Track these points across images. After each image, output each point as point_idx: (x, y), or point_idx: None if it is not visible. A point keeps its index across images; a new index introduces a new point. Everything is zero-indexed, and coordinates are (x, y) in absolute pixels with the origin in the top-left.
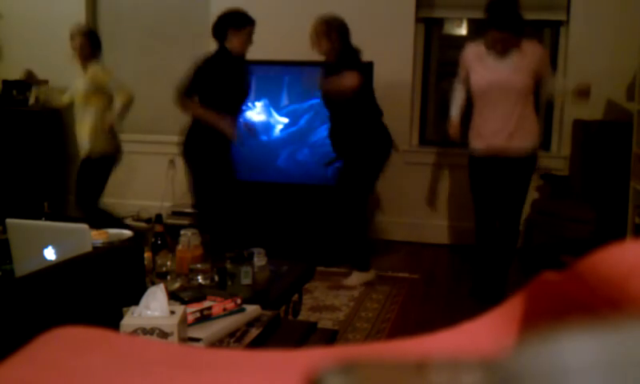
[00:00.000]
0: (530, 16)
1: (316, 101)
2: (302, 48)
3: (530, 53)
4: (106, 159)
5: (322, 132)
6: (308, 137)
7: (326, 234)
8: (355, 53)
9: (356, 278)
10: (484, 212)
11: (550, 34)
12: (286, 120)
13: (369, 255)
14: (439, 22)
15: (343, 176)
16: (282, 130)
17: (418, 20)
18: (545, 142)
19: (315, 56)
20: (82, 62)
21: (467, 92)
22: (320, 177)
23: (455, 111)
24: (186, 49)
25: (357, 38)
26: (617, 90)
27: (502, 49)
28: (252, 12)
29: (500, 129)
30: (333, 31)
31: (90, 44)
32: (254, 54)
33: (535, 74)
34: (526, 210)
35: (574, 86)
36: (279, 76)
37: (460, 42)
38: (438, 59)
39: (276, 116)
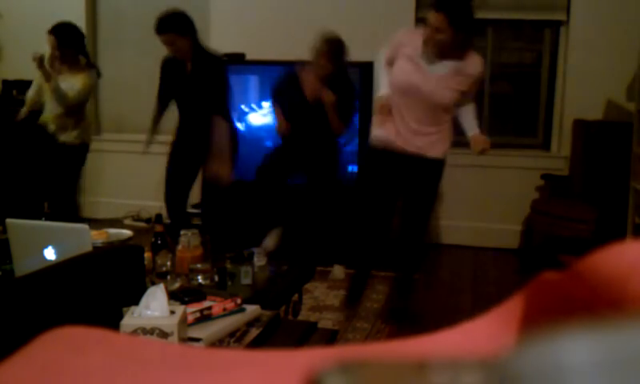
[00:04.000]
0: (529, 16)
1: None
2: (308, 47)
3: (470, 70)
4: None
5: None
6: None
7: (328, 233)
8: (345, 75)
9: (341, 270)
10: (377, 211)
11: (549, 33)
12: None
13: None
14: None
15: (326, 175)
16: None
17: (417, 20)
18: (545, 142)
19: None
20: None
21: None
22: None
23: (384, 89)
24: None
25: (357, 38)
26: (617, 90)
27: (434, 47)
28: (256, 10)
29: (410, 131)
30: (332, 53)
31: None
32: (257, 53)
33: (463, 92)
34: (526, 209)
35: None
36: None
37: None
38: None
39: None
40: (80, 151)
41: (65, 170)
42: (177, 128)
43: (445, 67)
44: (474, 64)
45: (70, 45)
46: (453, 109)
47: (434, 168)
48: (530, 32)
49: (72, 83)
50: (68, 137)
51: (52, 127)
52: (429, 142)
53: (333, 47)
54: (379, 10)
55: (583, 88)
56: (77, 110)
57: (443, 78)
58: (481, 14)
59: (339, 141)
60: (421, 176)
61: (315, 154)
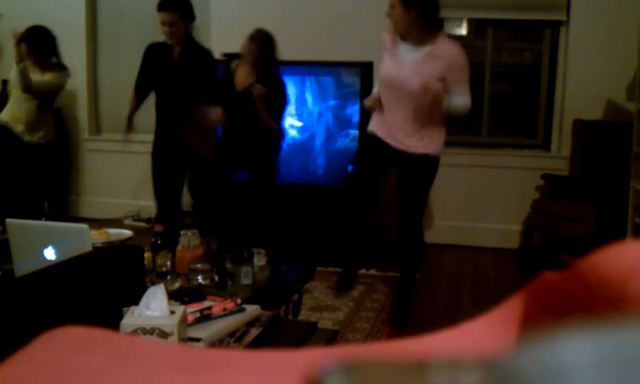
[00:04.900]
0: (529, 16)
1: (334, 102)
2: (312, 47)
3: (444, 53)
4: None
5: (341, 139)
6: (325, 145)
7: (328, 233)
8: (275, 70)
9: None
10: (361, 185)
11: (549, 34)
12: (299, 123)
13: None
14: None
15: (265, 172)
16: (294, 136)
17: None
18: (545, 142)
19: (329, 56)
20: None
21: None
22: (322, 177)
23: (376, 89)
24: None
25: (357, 38)
26: (617, 90)
27: (392, 26)
28: (256, 10)
29: (398, 127)
30: (260, 45)
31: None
32: None
33: (444, 80)
34: (526, 209)
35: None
36: (290, 76)
37: (460, 41)
38: None
39: (288, 119)
40: (47, 150)
41: (33, 170)
42: (157, 125)
43: (418, 53)
44: (445, 46)
45: (41, 51)
46: (439, 104)
47: (424, 165)
48: (530, 32)
49: (42, 77)
50: (33, 137)
51: (19, 127)
52: (418, 140)
53: (261, 41)
54: (379, 10)
55: (583, 88)
56: (42, 106)
57: (416, 64)
58: (481, 14)
59: (274, 135)
60: (411, 173)
61: (251, 146)
